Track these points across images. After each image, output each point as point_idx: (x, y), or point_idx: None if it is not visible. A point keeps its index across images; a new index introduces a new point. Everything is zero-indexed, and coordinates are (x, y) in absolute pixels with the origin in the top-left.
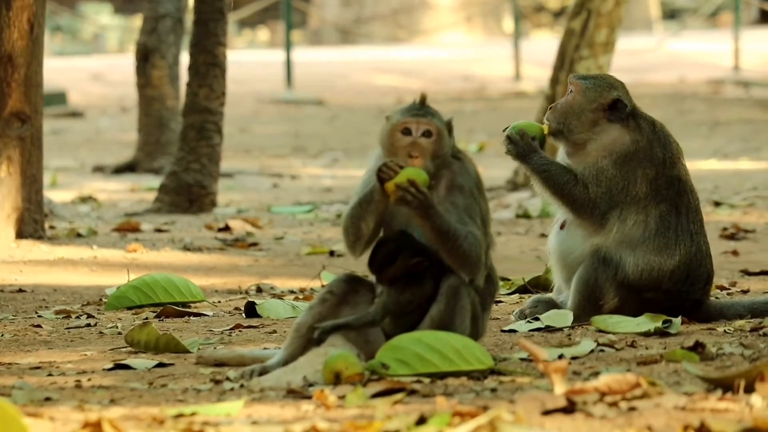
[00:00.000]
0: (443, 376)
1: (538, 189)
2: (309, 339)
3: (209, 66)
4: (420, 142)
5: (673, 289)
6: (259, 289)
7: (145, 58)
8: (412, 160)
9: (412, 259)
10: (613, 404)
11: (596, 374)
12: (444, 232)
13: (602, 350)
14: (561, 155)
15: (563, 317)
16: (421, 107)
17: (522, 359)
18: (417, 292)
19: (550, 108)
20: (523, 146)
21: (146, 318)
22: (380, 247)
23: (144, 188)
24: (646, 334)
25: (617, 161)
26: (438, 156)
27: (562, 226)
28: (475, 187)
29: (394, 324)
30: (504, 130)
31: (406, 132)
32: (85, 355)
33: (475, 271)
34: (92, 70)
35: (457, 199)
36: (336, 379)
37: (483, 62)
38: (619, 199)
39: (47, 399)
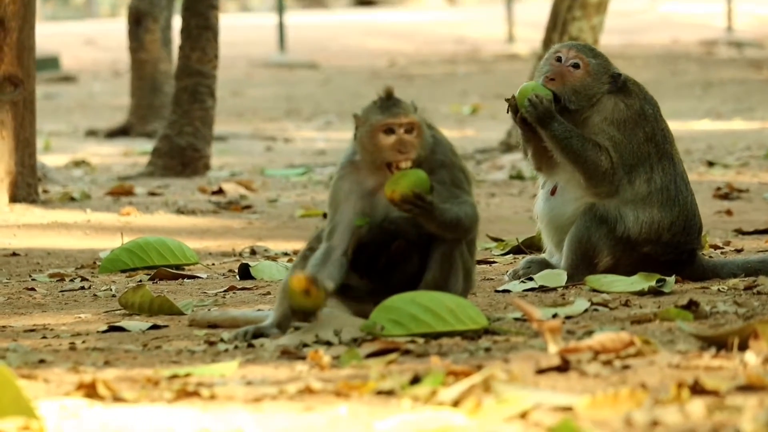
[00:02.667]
0: (437, 336)
1: (556, 154)
2: None
3: (202, 29)
4: (405, 139)
5: (671, 241)
6: (252, 252)
7: (137, 21)
8: (401, 156)
9: (392, 248)
10: (607, 363)
11: (590, 333)
12: (446, 222)
13: (596, 309)
14: None
15: (557, 277)
16: (395, 103)
17: (516, 319)
18: (403, 271)
19: (551, 79)
20: (542, 110)
21: (140, 280)
22: (362, 254)
23: (137, 152)
24: (640, 294)
25: (620, 127)
26: (423, 146)
27: (552, 192)
28: (451, 155)
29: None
30: (510, 99)
31: (389, 131)
32: (80, 317)
33: (471, 231)
34: (85, 35)
35: (442, 176)
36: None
37: (475, 24)
38: (629, 162)
39: (41, 361)
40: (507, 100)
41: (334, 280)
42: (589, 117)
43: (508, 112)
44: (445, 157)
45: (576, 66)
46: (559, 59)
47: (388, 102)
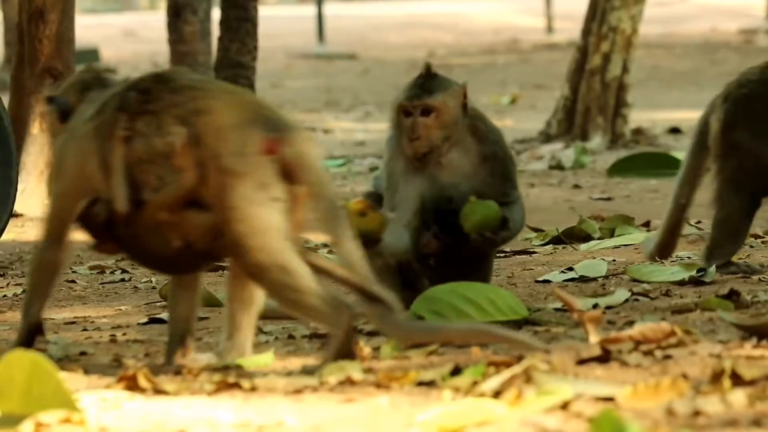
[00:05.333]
0: None
1: None
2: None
3: (241, 21)
4: (419, 122)
5: None
6: None
7: (176, 13)
8: (409, 145)
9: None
10: (648, 353)
11: (631, 323)
12: (504, 241)
13: (636, 299)
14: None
15: (597, 267)
16: (425, 82)
17: (556, 309)
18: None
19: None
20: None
21: None
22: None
23: None
24: (681, 283)
25: None
26: (446, 127)
27: None
28: (502, 145)
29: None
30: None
31: (407, 113)
32: (120, 309)
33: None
34: (124, 27)
35: (494, 168)
36: None
37: (514, 14)
38: None
39: (82, 353)
40: None
41: (406, 245)
42: None
43: None
44: (497, 148)
45: None
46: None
47: (419, 81)
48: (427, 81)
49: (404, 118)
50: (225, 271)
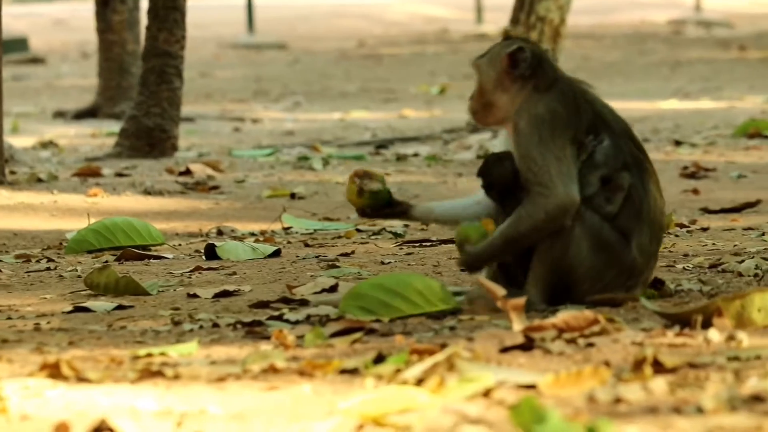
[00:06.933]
0: (406, 316)
1: None
2: None
3: (169, 10)
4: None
5: None
6: (219, 232)
7: (105, 3)
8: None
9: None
10: (571, 341)
11: (555, 311)
12: (505, 248)
13: None
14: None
15: None
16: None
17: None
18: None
19: None
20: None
21: (106, 261)
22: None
23: (105, 133)
24: None
25: None
26: (487, 92)
27: None
28: (539, 123)
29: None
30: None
31: None
32: (45, 298)
33: (560, 219)
34: (53, 16)
35: (519, 145)
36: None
37: (444, 4)
38: None
39: (5, 341)
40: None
41: None
42: None
43: None
44: (530, 123)
45: None
46: None
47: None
48: (501, 41)
49: None
50: (151, 260)
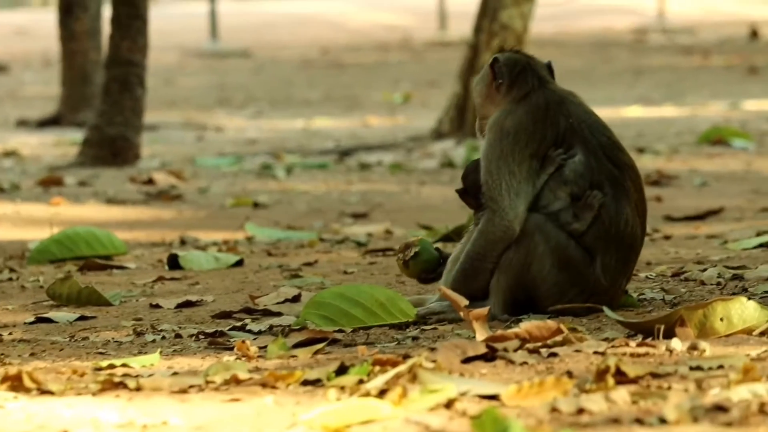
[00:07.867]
0: (368, 327)
1: None
2: None
3: (132, 18)
4: None
5: None
6: (182, 242)
7: (67, 11)
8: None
9: None
10: (534, 351)
11: (518, 321)
12: (464, 278)
13: None
14: None
15: None
16: None
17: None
18: None
19: None
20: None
21: (68, 271)
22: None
23: (68, 142)
24: None
25: None
26: (480, 105)
27: None
28: (503, 137)
29: None
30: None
31: None
32: (7, 309)
33: (509, 233)
34: (16, 24)
35: (484, 157)
36: None
37: (407, 12)
38: None
39: None
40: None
41: None
42: None
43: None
44: (491, 133)
45: None
46: None
47: None
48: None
49: None
50: (114, 270)
